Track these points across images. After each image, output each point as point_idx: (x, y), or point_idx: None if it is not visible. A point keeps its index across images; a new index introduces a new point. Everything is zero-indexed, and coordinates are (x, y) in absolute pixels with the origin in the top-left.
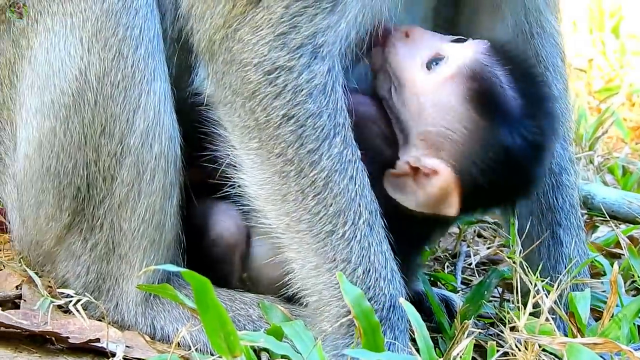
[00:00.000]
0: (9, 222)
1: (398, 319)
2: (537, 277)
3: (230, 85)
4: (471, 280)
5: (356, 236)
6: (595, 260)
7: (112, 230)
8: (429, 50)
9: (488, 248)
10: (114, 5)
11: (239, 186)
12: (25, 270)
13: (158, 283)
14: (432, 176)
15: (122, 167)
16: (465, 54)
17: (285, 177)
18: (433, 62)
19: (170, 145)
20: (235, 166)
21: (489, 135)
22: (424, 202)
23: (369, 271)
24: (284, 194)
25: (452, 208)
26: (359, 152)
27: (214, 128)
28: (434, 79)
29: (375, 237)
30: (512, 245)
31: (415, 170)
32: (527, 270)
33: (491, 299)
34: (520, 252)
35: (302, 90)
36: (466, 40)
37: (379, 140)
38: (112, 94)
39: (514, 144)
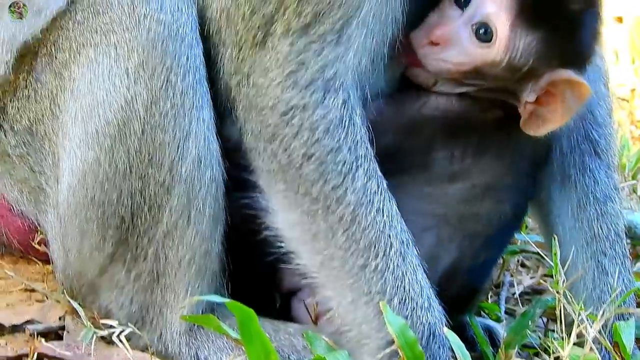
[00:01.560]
0: (51, 253)
1: (439, 347)
2: (581, 307)
3: (252, 130)
4: (515, 310)
5: (389, 267)
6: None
7: (156, 260)
8: (465, 26)
9: (531, 278)
10: (160, 34)
11: (273, 229)
12: (69, 302)
13: (202, 313)
14: (558, 97)
15: (172, 195)
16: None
17: (314, 216)
18: (480, 31)
19: (218, 170)
20: (267, 210)
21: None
22: (567, 110)
23: (405, 301)
24: (314, 233)
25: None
26: (384, 183)
27: (245, 174)
28: (486, 40)
29: (408, 266)
30: (556, 275)
31: (540, 100)
32: (571, 299)
33: (535, 328)
34: (563, 282)
35: (319, 127)
36: None
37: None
38: (161, 123)
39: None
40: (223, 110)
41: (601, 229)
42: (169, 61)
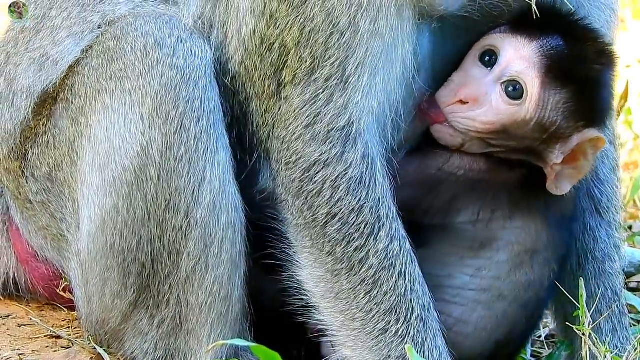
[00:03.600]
0: (76, 300)
1: None
2: (607, 349)
3: (283, 183)
4: (541, 353)
5: (409, 333)
6: None
7: (178, 305)
8: (495, 84)
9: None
10: (173, 79)
11: (297, 281)
12: (94, 348)
13: (227, 357)
14: (582, 155)
15: (189, 240)
16: (520, 55)
17: (337, 276)
18: (509, 88)
19: (236, 215)
20: (292, 262)
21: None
22: (588, 164)
23: None
24: (337, 292)
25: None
26: (407, 244)
27: (275, 224)
28: (517, 97)
29: (429, 332)
30: (582, 317)
31: (565, 160)
32: (596, 340)
33: None
34: (589, 324)
35: (340, 185)
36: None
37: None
38: (176, 168)
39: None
40: (259, 160)
41: (598, 287)
42: (182, 106)
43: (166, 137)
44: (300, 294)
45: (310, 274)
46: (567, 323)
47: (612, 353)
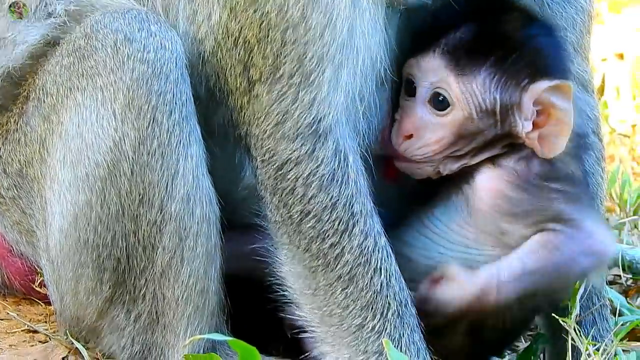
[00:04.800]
0: (50, 296)
1: None
2: (589, 341)
3: (260, 180)
4: (518, 346)
5: (386, 328)
6: None
7: (155, 300)
8: (423, 106)
9: None
10: (144, 74)
11: (279, 277)
12: (72, 342)
13: (204, 351)
14: (549, 108)
15: (163, 234)
16: (426, 69)
17: (314, 272)
18: (435, 103)
19: (210, 208)
20: (274, 258)
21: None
22: (565, 114)
23: None
24: (315, 289)
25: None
26: (383, 239)
27: (259, 220)
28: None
29: (406, 327)
30: (571, 308)
31: (537, 123)
32: (578, 333)
33: None
34: (575, 317)
35: (313, 183)
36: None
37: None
38: (149, 162)
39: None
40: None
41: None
42: (154, 100)
43: (139, 131)
44: (282, 290)
45: (290, 270)
46: (552, 314)
47: (594, 346)
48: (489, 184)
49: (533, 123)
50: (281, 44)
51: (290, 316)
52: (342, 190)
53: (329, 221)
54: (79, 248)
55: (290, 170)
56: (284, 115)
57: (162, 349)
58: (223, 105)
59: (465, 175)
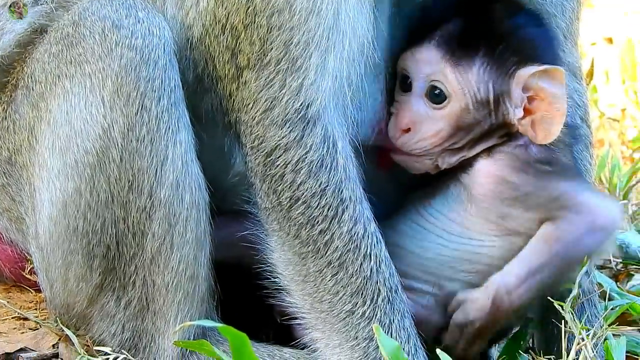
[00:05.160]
0: (39, 283)
1: None
2: (583, 326)
3: (250, 167)
4: None
5: (376, 314)
6: (630, 308)
7: (144, 286)
8: (420, 100)
9: None
10: (132, 60)
11: (270, 264)
12: (62, 329)
13: (194, 338)
14: (539, 93)
15: (153, 221)
16: (421, 62)
17: (304, 259)
18: (432, 96)
19: (199, 194)
20: (264, 245)
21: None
22: (557, 99)
23: None
24: (305, 275)
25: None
26: (372, 225)
27: (249, 207)
28: (443, 98)
29: (396, 313)
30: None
31: (529, 110)
32: (573, 318)
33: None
34: (571, 301)
35: (302, 169)
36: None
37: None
38: (138, 149)
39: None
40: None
41: None
42: (142, 86)
43: (127, 118)
44: (273, 277)
45: (280, 257)
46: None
47: (587, 332)
48: (488, 169)
49: (525, 109)
50: (267, 30)
51: (280, 303)
52: (331, 176)
53: (318, 207)
54: (69, 235)
55: (279, 156)
56: (272, 102)
57: (153, 335)
58: (211, 92)
59: (463, 167)
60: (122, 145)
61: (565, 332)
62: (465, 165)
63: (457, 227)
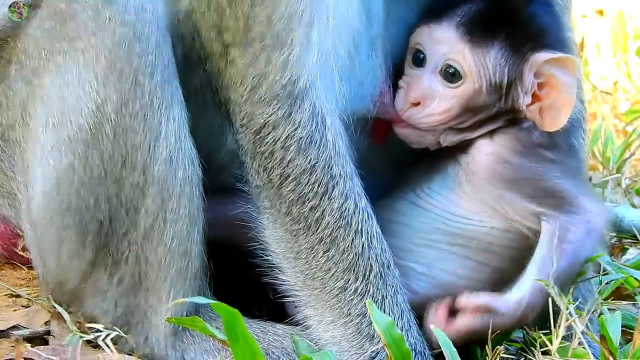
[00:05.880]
0: (32, 260)
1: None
2: (569, 300)
3: (240, 145)
4: None
5: (369, 290)
6: (625, 282)
7: (137, 263)
8: (433, 76)
9: None
10: (126, 36)
11: (262, 242)
12: (54, 307)
13: (187, 315)
14: (550, 81)
15: (146, 197)
16: (439, 39)
17: (296, 236)
18: (446, 74)
19: (193, 170)
20: (257, 223)
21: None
22: (567, 88)
23: None
24: (297, 252)
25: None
26: (363, 201)
27: (241, 185)
28: (457, 78)
29: (389, 289)
30: None
31: (537, 96)
32: (558, 293)
33: None
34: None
35: (291, 146)
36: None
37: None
38: (132, 125)
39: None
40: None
41: None
42: (136, 61)
43: (121, 93)
44: (266, 255)
45: (272, 234)
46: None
47: (574, 305)
48: (488, 148)
49: (534, 95)
50: (250, 5)
51: (273, 280)
52: (320, 152)
53: (308, 184)
54: (62, 211)
55: (268, 134)
56: (259, 79)
57: (145, 312)
58: (200, 68)
59: (462, 147)
60: (115, 121)
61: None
62: (466, 145)
63: (456, 208)
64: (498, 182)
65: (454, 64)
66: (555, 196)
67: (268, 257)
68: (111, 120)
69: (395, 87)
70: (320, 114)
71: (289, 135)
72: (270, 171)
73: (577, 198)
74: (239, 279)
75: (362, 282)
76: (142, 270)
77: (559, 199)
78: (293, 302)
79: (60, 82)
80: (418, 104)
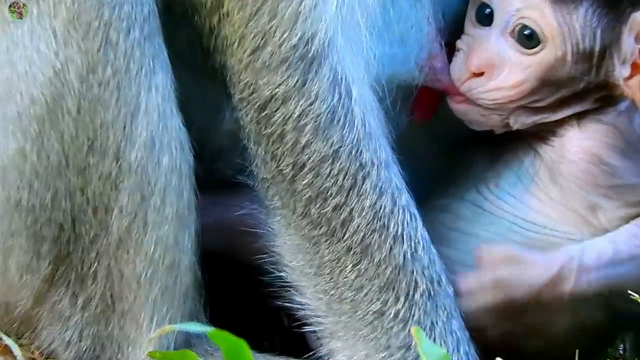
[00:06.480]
0: None
1: None
2: None
3: (242, 125)
4: None
5: (414, 315)
6: None
7: (109, 279)
8: (502, 38)
9: None
10: None
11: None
12: (0, 338)
13: (175, 347)
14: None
15: (120, 191)
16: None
17: (316, 244)
18: (520, 37)
19: (182, 155)
20: (266, 228)
21: None
22: None
23: None
24: (318, 266)
25: None
26: (405, 196)
27: (242, 178)
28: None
29: (440, 312)
30: None
31: (637, 67)
32: None
33: None
34: None
35: (306, 126)
36: None
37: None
38: (101, 96)
39: None
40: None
41: None
42: (107, 13)
43: (87, 55)
44: (279, 270)
45: (286, 243)
46: None
47: None
48: (582, 143)
49: (634, 66)
50: None
51: (289, 304)
52: (345, 133)
53: (331, 176)
54: (9, 211)
55: (276, 110)
56: (262, 38)
57: (120, 343)
58: (187, 27)
59: (540, 133)
60: (79, 91)
61: None
62: (545, 132)
63: (535, 215)
64: (593, 187)
65: (530, 23)
66: None
67: (281, 273)
68: (74, 91)
69: (450, 49)
70: (344, 83)
71: (303, 111)
72: (280, 160)
73: None
74: (244, 300)
75: (404, 303)
76: (115, 288)
77: None
78: (315, 331)
79: (7, 40)
80: (482, 73)
